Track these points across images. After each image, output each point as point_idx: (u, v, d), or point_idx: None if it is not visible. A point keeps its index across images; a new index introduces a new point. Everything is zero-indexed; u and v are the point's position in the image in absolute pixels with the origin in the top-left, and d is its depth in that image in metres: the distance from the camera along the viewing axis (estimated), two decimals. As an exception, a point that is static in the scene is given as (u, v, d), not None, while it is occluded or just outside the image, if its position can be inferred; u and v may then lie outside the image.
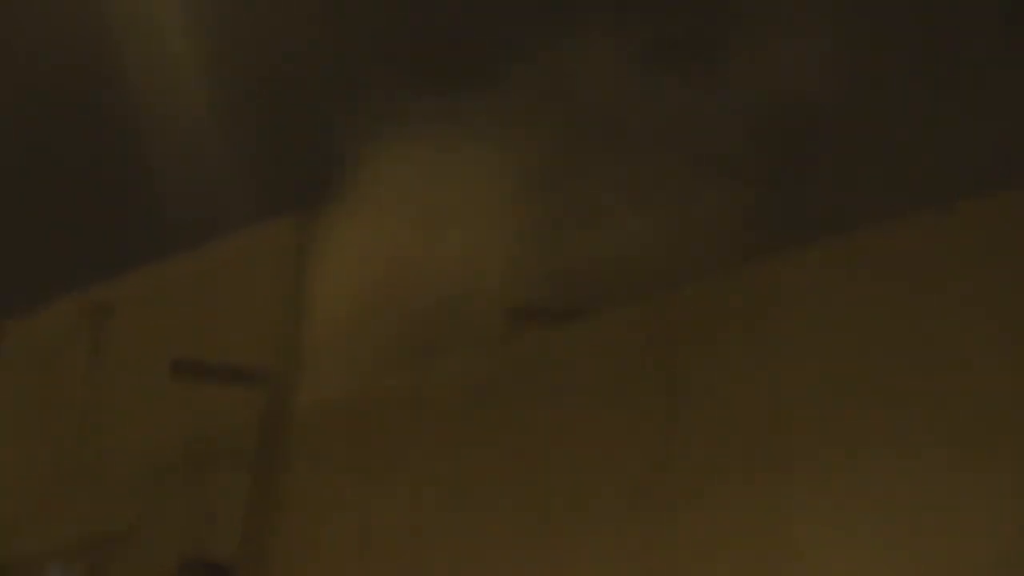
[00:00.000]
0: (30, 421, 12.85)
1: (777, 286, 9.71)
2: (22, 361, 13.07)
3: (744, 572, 9.39)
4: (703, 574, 9.49)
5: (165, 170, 12.97)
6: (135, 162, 13.36)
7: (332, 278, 11.70)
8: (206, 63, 13.19)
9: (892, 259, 9.43)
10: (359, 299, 11.57)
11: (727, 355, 9.81)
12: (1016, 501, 8.64)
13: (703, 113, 11.40)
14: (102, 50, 13.37)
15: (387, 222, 11.62)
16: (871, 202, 10.48)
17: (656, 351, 10.09)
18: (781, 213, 10.82)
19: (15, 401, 12.96)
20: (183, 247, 12.30)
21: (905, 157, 10.77)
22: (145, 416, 12.27)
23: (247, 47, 13.18)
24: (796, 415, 9.42)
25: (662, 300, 10.25)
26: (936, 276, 9.18)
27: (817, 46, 11.18)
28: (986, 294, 9.01)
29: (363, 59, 12.96)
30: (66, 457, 12.48)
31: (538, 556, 10.19)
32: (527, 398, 10.48)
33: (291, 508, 11.50)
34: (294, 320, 11.86)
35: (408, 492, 10.82)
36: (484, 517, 10.52)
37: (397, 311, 11.38)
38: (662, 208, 11.21)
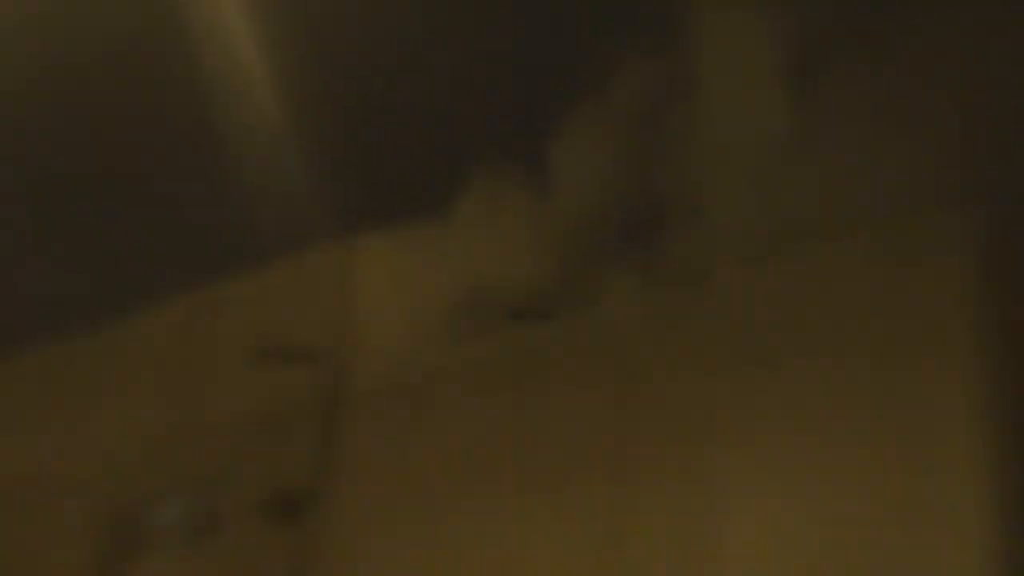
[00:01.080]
0: (152, 391, 13.44)
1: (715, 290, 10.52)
2: (146, 344, 13.73)
3: (685, 518, 10.19)
4: (655, 518, 10.32)
5: (255, 186, 13.11)
6: (218, 176, 13.49)
7: (378, 285, 12.63)
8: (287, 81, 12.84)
9: (822, 269, 10.15)
10: (398, 301, 12.49)
11: (669, 353, 10.68)
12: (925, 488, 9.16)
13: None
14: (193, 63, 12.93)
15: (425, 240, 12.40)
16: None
17: (611, 352, 11.03)
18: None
19: (140, 376, 13.59)
20: (268, 258, 12.96)
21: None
22: (240, 390, 12.86)
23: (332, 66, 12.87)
24: (727, 407, 10.20)
25: (617, 310, 11.20)
26: (849, 285, 9.95)
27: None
28: (898, 302, 9.70)
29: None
30: (181, 420, 13.11)
31: (527, 505, 11.01)
32: (523, 380, 11.43)
33: (345, 457, 12.15)
34: (349, 316, 12.65)
35: (431, 447, 11.66)
36: (487, 468, 11.32)
37: (431, 310, 12.32)
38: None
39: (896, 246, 9.97)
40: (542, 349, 11.40)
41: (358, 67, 12.70)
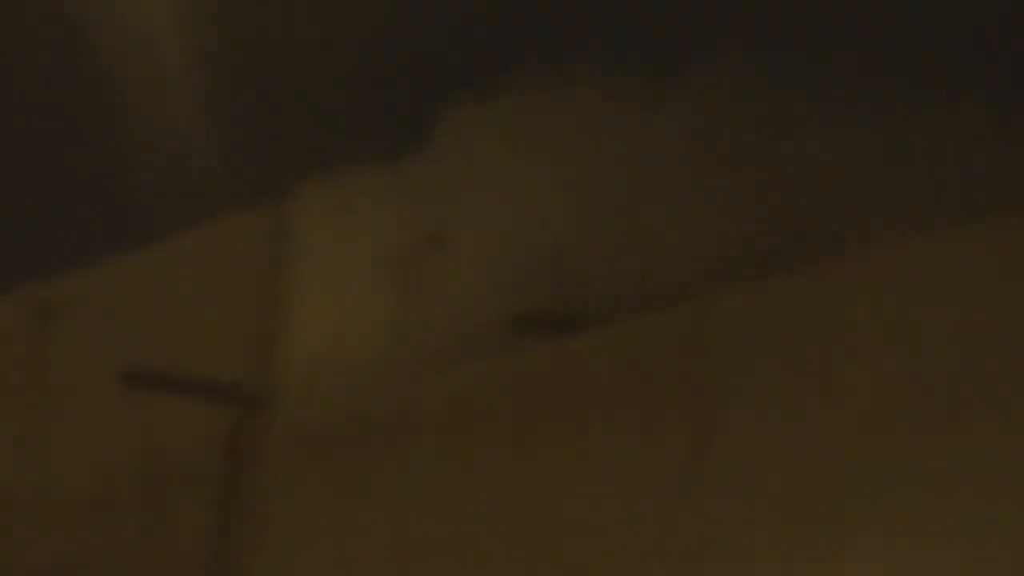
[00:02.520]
0: None
1: (834, 293, 8.61)
2: None
3: None
4: None
5: (122, 155, 12.22)
6: (86, 145, 12.60)
7: (313, 277, 10.88)
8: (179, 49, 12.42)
9: (942, 270, 8.30)
10: (345, 301, 10.79)
11: (771, 375, 8.65)
12: None
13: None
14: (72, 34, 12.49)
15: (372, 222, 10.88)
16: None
17: (686, 366, 9.06)
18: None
19: None
20: (140, 242, 11.41)
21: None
22: (94, 434, 11.44)
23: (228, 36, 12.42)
24: (854, 459, 8.31)
25: (696, 305, 9.15)
26: (991, 293, 8.04)
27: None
28: None
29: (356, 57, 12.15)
30: (3, 482, 11.80)
31: None
32: (527, 418, 9.58)
33: (261, 543, 10.66)
34: (268, 325, 10.96)
35: (384, 517, 10.07)
36: (479, 543, 9.62)
37: (389, 316, 10.60)
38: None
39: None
40: (568, 368, 9.70)
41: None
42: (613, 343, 9.32)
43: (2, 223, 12.70)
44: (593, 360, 9.28)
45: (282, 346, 10.83)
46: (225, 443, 10.67)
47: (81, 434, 11.40)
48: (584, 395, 9.21)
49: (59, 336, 11.73)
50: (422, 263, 10.60)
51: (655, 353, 9.06)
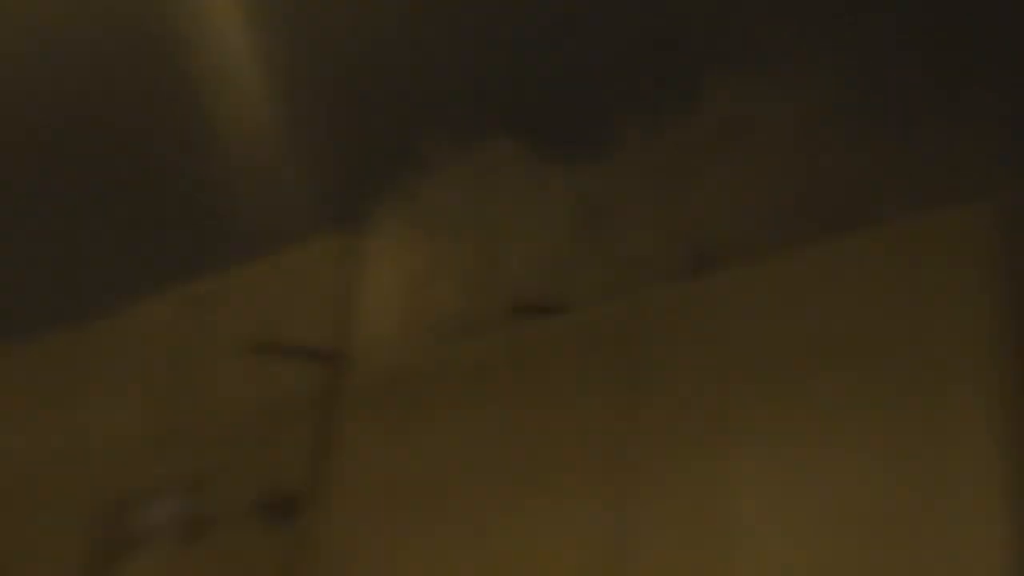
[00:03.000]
0: (144, 386, 13.52)
1: (727, 297, 10.43)
2: (139, 338, 13.81)
3: (694, 516, 10.11)
4: (661, 515, 10.22)
5: (249, 185, 13.20)
6: (220, 178, 13.52)
7: (378, 281, 12.60)
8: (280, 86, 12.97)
9: (819, 276, 10.06)
10: (397, 297, 12.48)
11: (682, 351, 10.61)
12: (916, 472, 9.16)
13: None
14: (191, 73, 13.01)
15: (422, 237, 12.50)
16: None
17: (624, 343, 10.92)
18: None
19: (132, 371, 13.67)
20: (258, 253, 13.05)
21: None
22: (233, 385, 12.96)
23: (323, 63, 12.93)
24: (739, 407, 10.10)
25: (632, 301, 11.03)
26: (857, 290, 9.83)
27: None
28: (905, 305, 9.65)
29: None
30: (173, 415, 13.18)
31: (527, 503, 10.95)
32: (523, 376, 11.38)
33: (342, 455, 12.18)
34: (347, 311, 12.66)
35: (430, 444, 11.67)
36: (486, 466, 11.30)
37: (425, 306, 12.34)
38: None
39: (907, 243, 9.91)
40: (544, 345, 11.37)
41: (347, 61, 12.98)
42: (578, 325, 11.27)
43: (165, 244, 14.12)
44: (565, 336, 11.25)
45: (356, 326, 12.58)
46: (319, 390, 12.37)
47: (224, 385, 12.97)
48: (559, 360, 11.15)
49: (205, 320, 13.36)
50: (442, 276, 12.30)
51: (604, 333, 11.02)
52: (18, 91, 13.68)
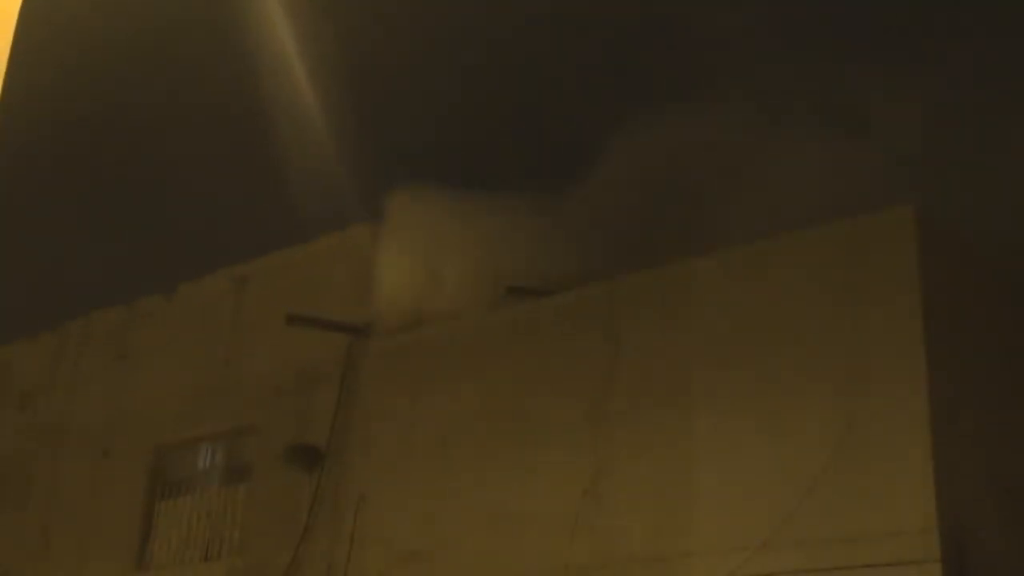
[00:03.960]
0: (192, 352, 14.10)
1: (693, 282, 10.98)
2: (192, 312, 14.34)
3: (661, 469, 10.73)
4: (634, 468, 10.86)
5: (292, 183, 13.78)
6: (262, 170, 14.14)
7: (396, 265, 12.98)
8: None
9: (773, 266, 10.74)
10: (409, 279, 12.86)
11: (653, 328, 11.19)
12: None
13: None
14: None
15: (425, 234, 12.87)
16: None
17: (603, 320, 11.44)
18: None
19: (185, 340, 14.22)
20: (301, 238, 13.56)
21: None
22: (272, 351, 13.41)
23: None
24: (700, 371, 10.74)
25: (609, 285, 11.52)
26: (805, 279, 10.50)
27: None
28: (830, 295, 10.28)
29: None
30: (217, 377, 13.76)
31: (520, 454, 11.50)
32: (517, 348, 11.95)
33: (362, 413, 12.67)
34: (369, 291, 13.06)
35: (437, 405, 12.21)
36: (486, 423, 11.78)
37: (435, 287, 12.77)
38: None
39: (844, 241, 10.64)
40: (535, 322, 12.01)
41: (387, 62, 13.57)
42: (563, 305, 11.92)
43: (218, 229, 14.98)
44: (553, 314, 11.96)
45: (378, 301, 13.02)
46: (345, 357, 12.87)
47: (263, 352, 13.54)
48: (547, 334, 11.88)
49: (250, 295, 13.88)
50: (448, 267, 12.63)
51: (585, 312, 11.63)
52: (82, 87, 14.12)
